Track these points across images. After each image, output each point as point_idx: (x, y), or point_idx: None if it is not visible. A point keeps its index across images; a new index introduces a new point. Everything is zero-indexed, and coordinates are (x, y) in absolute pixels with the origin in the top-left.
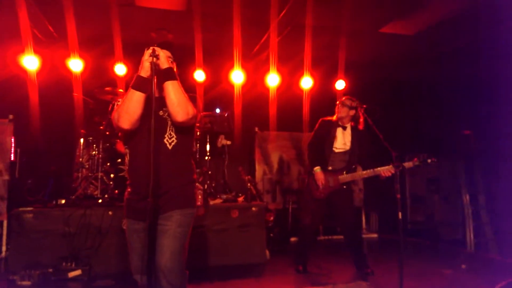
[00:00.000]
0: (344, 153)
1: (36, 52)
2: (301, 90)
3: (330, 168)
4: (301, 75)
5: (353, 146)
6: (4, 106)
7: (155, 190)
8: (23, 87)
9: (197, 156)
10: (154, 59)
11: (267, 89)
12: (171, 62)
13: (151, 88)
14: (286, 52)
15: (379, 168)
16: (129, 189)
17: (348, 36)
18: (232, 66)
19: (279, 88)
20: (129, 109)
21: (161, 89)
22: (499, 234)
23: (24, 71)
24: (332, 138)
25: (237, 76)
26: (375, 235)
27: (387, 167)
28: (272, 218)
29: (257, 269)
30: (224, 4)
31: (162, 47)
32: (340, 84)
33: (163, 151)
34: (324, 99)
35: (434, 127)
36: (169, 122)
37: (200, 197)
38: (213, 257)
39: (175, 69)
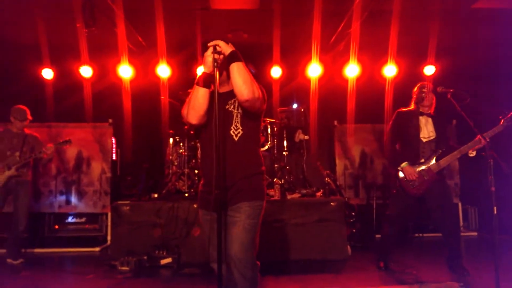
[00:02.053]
0: (431, 142)
1: (129, 61)
2: (384, 79)
3: (422, 160)
4: (383, 63)
5: (438, 133)
6: (105, 111)
7: (223, 182)
8: (119, 94)
9: (275, 151)
10: (216, 55)
11: (346, 81)
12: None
13: (215, 83)
14: (365, 41)
15: (467, 145)
16: (201, 181)
17: (438, 16)
18: (308, 60)
19: (358, 79)
20: (195, 105)
21: (228, 81)
22: None
23: (119, 79)
24: (416, 127)
25: (314, 70)
26: (474, 233)
27: (474, 140)
28: (353, 213)
29: (337, 265)
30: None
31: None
32: (429, 70)
33: (230, 143)
34: (409, 88)
35: None
36: (235, 115)
37: (277, 191)
38: (292, 251)
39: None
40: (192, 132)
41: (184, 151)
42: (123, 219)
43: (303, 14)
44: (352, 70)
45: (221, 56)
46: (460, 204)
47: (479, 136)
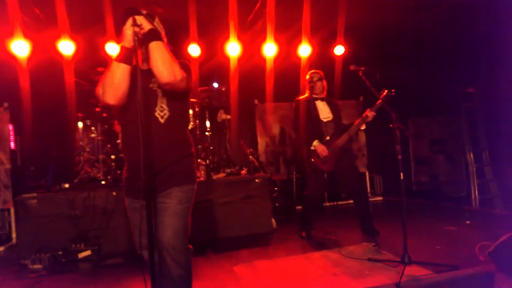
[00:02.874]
0: (331, 121)
1: (25, 36)
2: (299, 59)
3: (328, 138)
4: (299, 43)
5: (334, 114)
6: None
7: (150, 167)
8: (15, 73)
9: (198, 132)
10: (136, 28)
11: (264, 60)
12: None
13: (136, 60)
14: (282, 20)
15: (359, 121)
16: (125, 168)
17: None
18: (227, 39)
19: (276, 58)
20: (114, 83)
21: (148, 59)
22: (504, 191)
23: (13, 56)
24: (315, 111)
25: (233, 48)
26: (380, 198)
27: (362, 116)
28: (276, 188)
29: (264, 239)
30: None
31: (137, 14)
32: (339, 50)
33: (155, 125)
34: (322, 67)
35: (436, 86)
36: (160, 94)
37: (202, 172)
38: (221, 229)
39: (162, 35)
40: (105, 114)
41: (98, 136)
42: (31, 214)
43: None
44: (269, 49)
45: (142, 31)
46: (367, 173)
47: (366, 112)
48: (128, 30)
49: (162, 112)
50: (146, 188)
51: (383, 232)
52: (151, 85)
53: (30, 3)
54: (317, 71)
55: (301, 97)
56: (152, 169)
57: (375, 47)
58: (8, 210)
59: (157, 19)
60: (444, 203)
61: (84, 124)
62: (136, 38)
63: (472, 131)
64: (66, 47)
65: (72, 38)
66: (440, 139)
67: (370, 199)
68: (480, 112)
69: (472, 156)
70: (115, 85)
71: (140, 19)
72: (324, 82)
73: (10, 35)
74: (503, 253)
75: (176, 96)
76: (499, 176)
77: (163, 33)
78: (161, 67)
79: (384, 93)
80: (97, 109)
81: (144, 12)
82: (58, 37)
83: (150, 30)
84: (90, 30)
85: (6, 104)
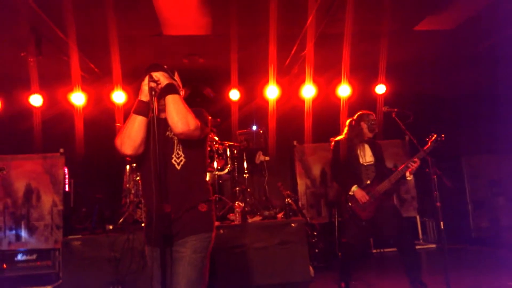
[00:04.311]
0: (371, 165)
1: (82, 89)
2: (338, 99)
3: (368, 182)
4: (337, 84)
5: (376, 157)
6: (56, 140)
7: (166, 215)
8: (72, 122)
9: (236, 174)
10: (153, 84)
11: (302, 102)
12: (175, 82)
13: (152, 111)
14: (320, 63)
15: (403, 167)
16: (145, 215)
17: (384, 38)
18: (265, 83)
19: (315, 100)
20: (131, 134)
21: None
22: None
23: (72, 106)
24: (356, 153)
25: (272, 91)
26: (433, 246)
27: (409, 160)
28: (315, 233)
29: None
30: (250, 23)
31: (156, 69)
32: (380, 89)
33: (171, 172)
34: (362, 106)
35: (492, 124)
36: (176, 141)
37: (238, 215)
38: (254, 276)
39: (180, 88)
40: None
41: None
42: (75, 255)
43: (256, 37)
44: (308, 91)
45: (159, 85)
46: (418, 217)
47: (410, 160)
48: (145, 85)
49: (178, 158)
50: (159, 237)
51: (433, 286)
52: (167, 133)
53: (86, 59)
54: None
55: (339, 137)
56: (167, 217)
57: (418, 84)
58: (59, 250)
59: (176, 74)
60: (506, 252)
61: (131, 167)
62: (153, 92)
63: None
64: (119, 97)
65: (124, 89)
66: (499, 180)
67: (422, 247)
68: None
69: None
70: (132, 136)
71: (158, 75)
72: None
73: (71, 89)
74: None
75: (192, 143)
76: None
77: (181, 85)
78: (175, 118)
79: (433, 138)
80: (127, 158)
81: (165, 67)
82: (111, 89)
83: (167, 85)
84: (138, 81)
85: (62, 150)
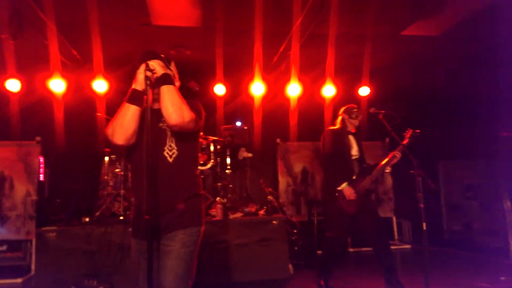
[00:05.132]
0: (357, 160)
1: (62, 75)
2: (323, 99)
3: (354, 177)
4: (323, 83)
5: (360, 151)
6: (32, 128)
7: (156, 208)
8: (50, 109)
9: (218, 169)
10: (148, 72)
11: (288, 100)
12: (170, 72)
13: (146, 100)
14: (307, 62)
15: (386, 162)
16: (133, 208)
17: (371, 41)
18: (251, 79)
19: (300, 98)
20: (124, 123)
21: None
22: None
23: (51, 94)
24: (349, 146)
25: (257, 88)
26: (408, 246)
27: (389, 157)
28: (295, 230)
29: (279, 285)
30: (241, 17)
31: (153, 58)
32: (364, 91)
33: (163, 164)
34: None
35: (469, 130)
36: (169, 133)
37: (219, 211)
38: (235, 273)
39: (175, 79)
40: None
41: (121, 171)
42: (49, 247)
43: (245, 32)
44: (293, 90)
45: (155, 75)
46: (394, 218)
47: (393, 153)
48: (141, 74)
49: (170, 151)
50: (148, 229)
51: (408, 285)
52: (160, 124)
53: (69, 46)
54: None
55: (333, 127)
56: (157, 210)
57: (402, 88)
58: (31, 241)
59: (173, 64)
60: (478, 255)
61: (110, 159)
62: (148, 82)
63: (508, 177)
64: (100, 85)
65: (106, 77)
66: (473, 185)
67: (397, 247)
68: None
69: (509, 204)
70: (124, 125)
71: (154, 64)
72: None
73: (50, 74)
74: None
75: (186, 136)
76: None
77: (177, 76)
78: (170, 109)
79: (409, 133)
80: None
81: (162, 56)
82: (93, 76)
83: (163, 75)
84: (121, 70)
85: (38, 138)
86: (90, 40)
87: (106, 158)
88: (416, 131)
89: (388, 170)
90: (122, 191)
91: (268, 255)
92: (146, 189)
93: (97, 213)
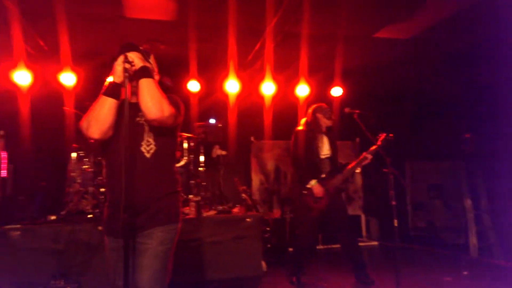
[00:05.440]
0: (328, 159)
1: (28, 67)
2: (297, 98)
3: (323, 176)
4: (296, 83)
5: (332, 151)
6: None
7: (132, 205)
8: (15, 102)
9: (191, 167)
10: (127, 65)
11: (262, 98)
12: (149, 65)
13: (124, 94)
14: (281, 61)
15: (356, 162)
16: (106, 204)
17: (343, 42)
18: (226, 76)
19: (274, 97)
20: (100, 116)
21: (138, 93)
22: (503, 238)
23: (15, 86)
24: (317, 146)
25: (232, 86)
26: (375, 243)
27: (360, 158)
28: (268, 228)
29: (253, 282)
30: (216, 13)
31: (131, 50)
32: (336, 91)
33: (141, 160)
34: None
35: (434, 131)
36: (147, 128)
37: (193, 209)
38: (208, 270)
39: (155, 72)
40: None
41: (89, 167)
42: (12, 246)
43: (220, 28)
44: (268, 88)
45: (133, 67)
46: (363, 216)
47: (364, 154)
48: (119, 66)
49: (148, 146)
50: (125, 227)
51: (378, 280)
52: (138, 118)
53: (35, 35)
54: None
55: (303, 128)
56: (134, 207)
57: (373, 89)
58: None
59: (152, 57)
60: (442, 250)
61: (78, 155)
62: (126, 74)
63: (470, 177)
64: (68, 78)
65: (74, 70)
66: (437, 184)
67: (365, 244)
68: (478, 156)
69: (470, 202)
70: (101, 119)
71: (132, 56)
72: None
73: (14, 65)
74: None
75: (164, 131)
76: (498, 224)
77: (156, 70)
78: (149, 103)
79: (382, 137)
80: (92, 140)
81: (141, 48)
82: (60, 68)
83: (142, 68)
84: (92, 63)
85: (1, 132)
86: (59, 30)
87: (74, 154)
88: (390, 135)
89: (358, 170)
90: (91, 188)
91: (241, 252)
92: (124, 185)
93: (64, 212)
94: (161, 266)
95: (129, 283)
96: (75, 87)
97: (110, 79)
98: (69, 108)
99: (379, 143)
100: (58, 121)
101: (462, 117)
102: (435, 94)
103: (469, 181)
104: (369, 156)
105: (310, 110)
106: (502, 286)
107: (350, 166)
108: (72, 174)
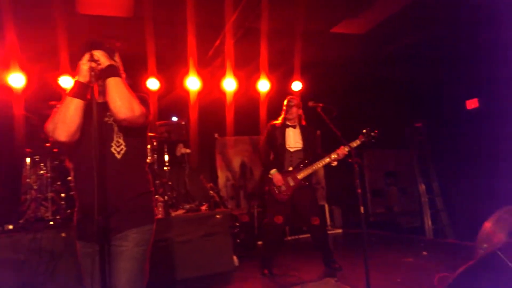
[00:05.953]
0: (299, 151)
1: None
2: (258, 94)
3: (290, 168)
4: (257, 78)
5: (305, 143)
6: None
7: (105, 207)
8: None
9: (156, 167)
10: (93, 63)
11: (224, 94)
12: (116, 64)
13: (91, 94)
14: (242, 57)
15: (331, 154)
16: (76, 209)
17: (302, 37)
18: (186, 73)
19: (236, 93)
20: (66, 118)
21: (105, 92)
22: (455, 219)
23: None
24: (283, 138)
25: (193, 83)
26: (340, 231)
27: (338, 150)
28: (237, 224)
29: (225, 278)
30: (174, 8)
31: (97, 48)
32: (296, 85)
33: (111, 161)
34: (281, 101)
35: (390, 121)
36: (116, 128)
37: (160, 209)
38: (180, 270)
39: (122, 71)
40: (55, 150)
41: (47, 172)
42: None
43: (179, 24)
44: (229, 84)
45: (99, 66)
46: (326, 205)
47: (339, 150)
48: (84, 65)
49: (118, 147)
50: (99, 231)
51: (345, 266)
52: (106, 118)
53: None
54: (295, 97)
55: (274, 121)
56: (106, 210)
57: (331, 83)
58: None
59: (117, 55)
60: (400, 234)
61: (32, 160)
62: (92, 73)
63: (422, 164)
64: (17, 79)
65: (24, 71)
66: (393, 172)
67: (330, 232)
68: (429, 146)
69: (423, 187)
70: (67, 121)
71: (98, 54)
72: (301, 110)
73: None
74: (461, 285)
75: (134, 130)
76: (449, 206)
77: (121, 68)
78: (118, 103)
79: (364, 131)
80: (47, 144)
81: (105, 45)
82: (8, 69)
83: (109, 66)
84: (43, 63)
85: None
86: (5, 29)
87: (28, 160)
88: (375, 130)
89: (334, 163)
90: (50, 194)
91: (212, 249)
92: (97, 187)
93: (22, 220)
94: (138, 268)
95: (107, 287)
96: (26, 88)
97: (74, 79)
98: (28, 114)
99: (361, 136)
100: (8, 125)
101: (414, 107)
102: (391, 84)
103: (422, 168)
104: (343, 151)
105: (285, 102)
106: (459, 262)
107: (321, 160)
108: (27, 180)
